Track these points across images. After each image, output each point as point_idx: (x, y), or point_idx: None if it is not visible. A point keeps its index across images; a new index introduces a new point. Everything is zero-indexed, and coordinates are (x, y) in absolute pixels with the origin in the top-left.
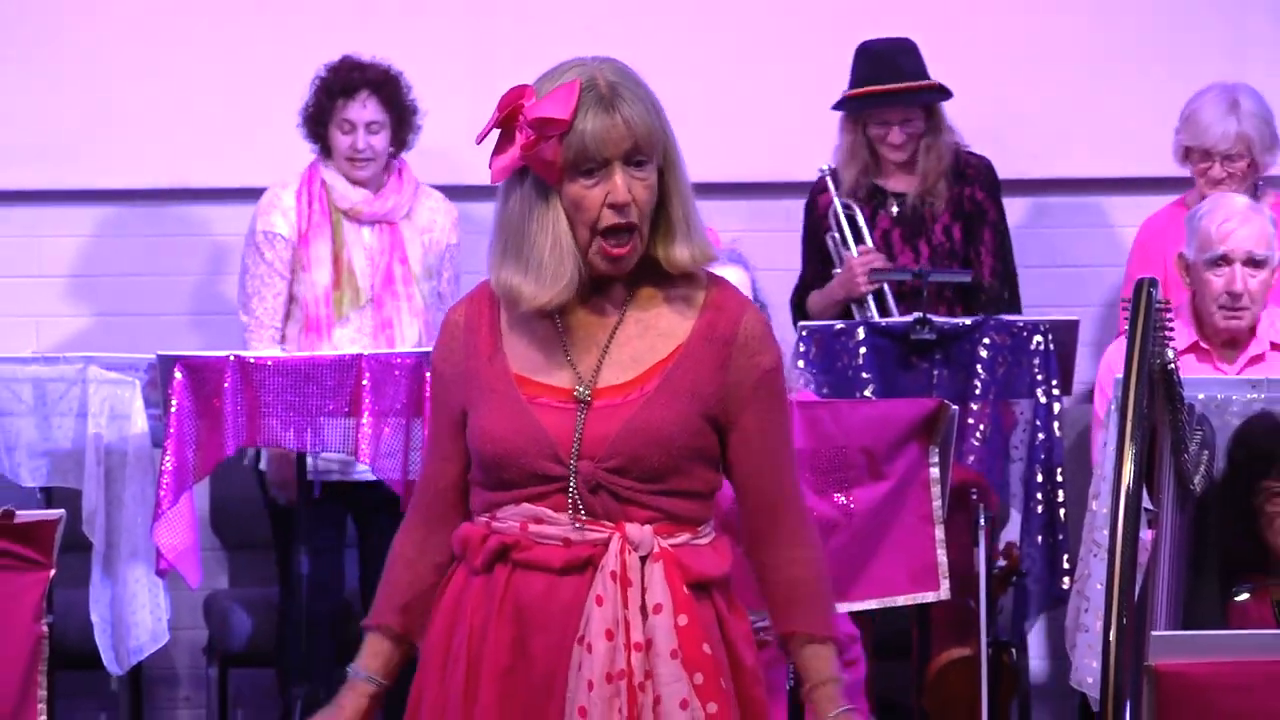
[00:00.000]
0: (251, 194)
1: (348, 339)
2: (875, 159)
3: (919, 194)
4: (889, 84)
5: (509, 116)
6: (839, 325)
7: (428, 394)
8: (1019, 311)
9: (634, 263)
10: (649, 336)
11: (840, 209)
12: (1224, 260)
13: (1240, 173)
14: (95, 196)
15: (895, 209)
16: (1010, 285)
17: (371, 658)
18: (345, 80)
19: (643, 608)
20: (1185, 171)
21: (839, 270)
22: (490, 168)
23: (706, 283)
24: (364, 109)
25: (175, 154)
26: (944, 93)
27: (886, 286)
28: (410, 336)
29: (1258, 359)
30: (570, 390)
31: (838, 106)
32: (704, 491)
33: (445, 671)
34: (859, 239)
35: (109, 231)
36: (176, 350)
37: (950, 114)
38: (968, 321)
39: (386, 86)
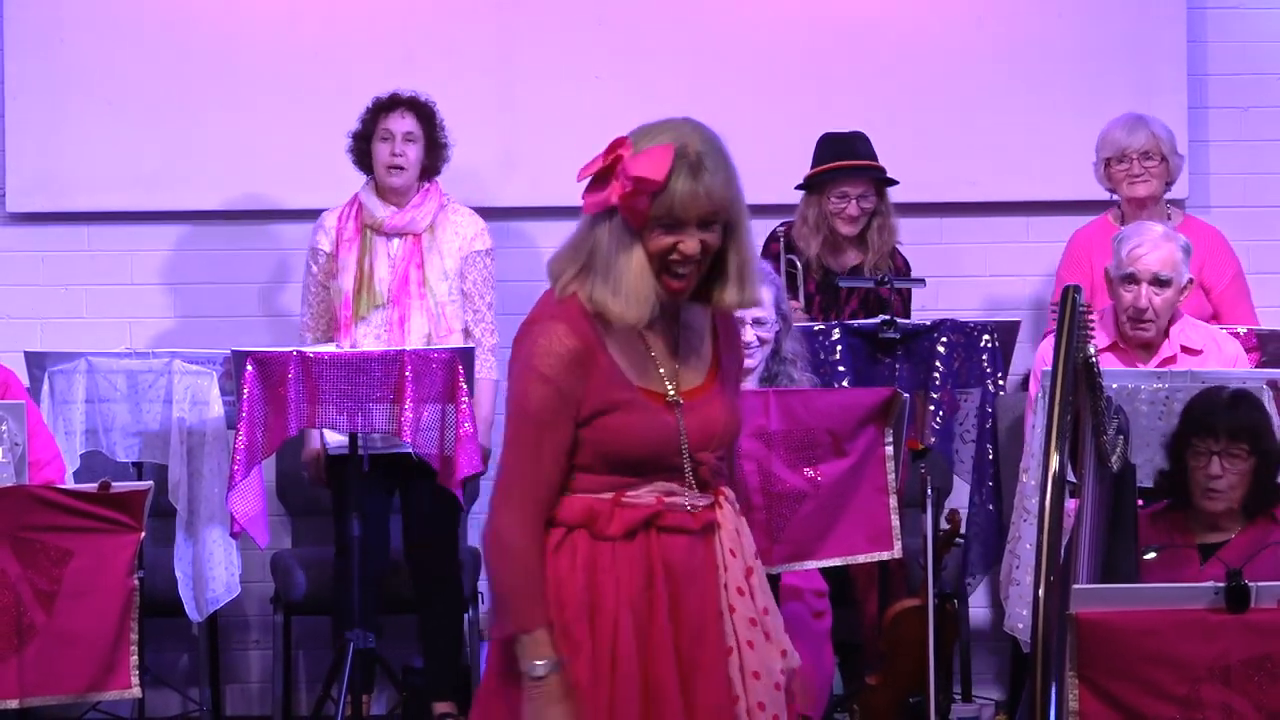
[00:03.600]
0: (309, 214)
1: (371, 335)
2: (831, 234)
3: (875, 262)
4: (850, 161)
5: (611, 164)
6: (818, 326)
7: (461, 383)
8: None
9: (688, 295)
10: (696, 342)
11: (784, 266)
12: (1133, 279)
13: (1156, 171)
14: (178, 217)
15: (829, 286)
16: None
17: (550, 650)
18: (388, 100)
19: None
20: (1103, 194)
21: None
22: (584, 200)
23: None
24: (402, 120)
25: (245, 181)
26: (891, 180)
27: None
28: (418, 330)
29: (1169, 360)
30: (664, 395)
31: (803, 185)
32: None
33: (595, 621)
34: (794, 294)
35: (190, 246)
36: (248, 346)
37: (908, 149)
38: (927, 322)
39: (422, 108)
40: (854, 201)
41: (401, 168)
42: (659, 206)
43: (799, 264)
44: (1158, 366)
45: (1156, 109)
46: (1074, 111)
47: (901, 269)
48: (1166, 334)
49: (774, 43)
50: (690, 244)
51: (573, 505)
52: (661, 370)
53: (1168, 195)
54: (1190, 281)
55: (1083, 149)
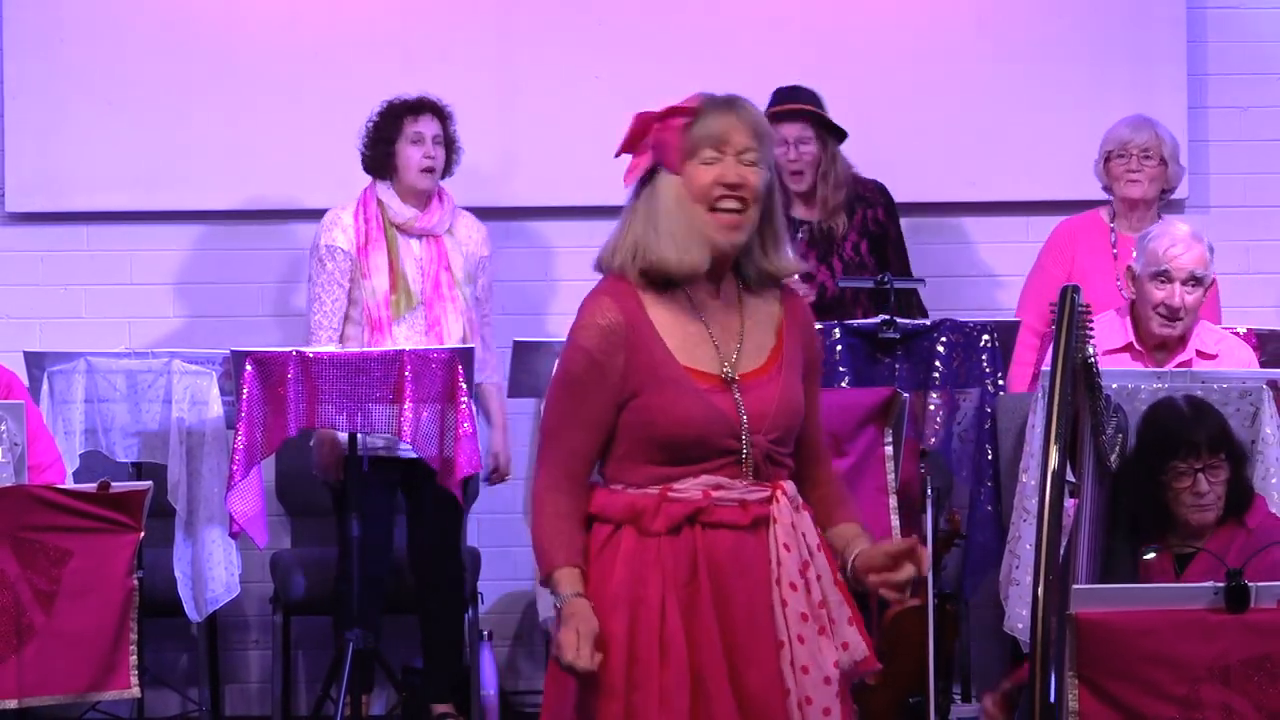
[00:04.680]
0: (309, 214)
1: (404, 336)
2: (784, 192)
3: (822, 219)
4: (784, 106)
5: (642, 128)
6: (817, 326)
7: (460, 383)
8: (920, 304)
9: (744, 239)
10: (762, 329)
11: None
12: (1167, 277)
13: (1153, 172)
14: (178, 217)
15: (805, 235)
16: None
17: (577, 582)
18: (413, 103)
19: (808, 548)
20: (1096, 195)
21: None
22: (625, 176)
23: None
24: (431, 123)
25: (245, 181)
26: (839, 131)
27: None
28: (455, 333)
29: (1186, 364)
30: (719, 375)
31: None
32: None
33: (637, 619)
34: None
35: (190, 246)
36: (247, 347)
37: (907, 149)
38: (927, 322)
39: (443, 112)
40: (793, 146)
41: (434, 170)
42: (697, 134)
43: None
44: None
45: (1156, 109)
46: (1074, 111)
47: (876, 200)
48: (1183, 337)
49: (774, 43)
50: (731, 172)
51: (617, 501)
52: (719, 350)
53: (1163, 202)
54: (1213, 281)
55: (1083, 149)
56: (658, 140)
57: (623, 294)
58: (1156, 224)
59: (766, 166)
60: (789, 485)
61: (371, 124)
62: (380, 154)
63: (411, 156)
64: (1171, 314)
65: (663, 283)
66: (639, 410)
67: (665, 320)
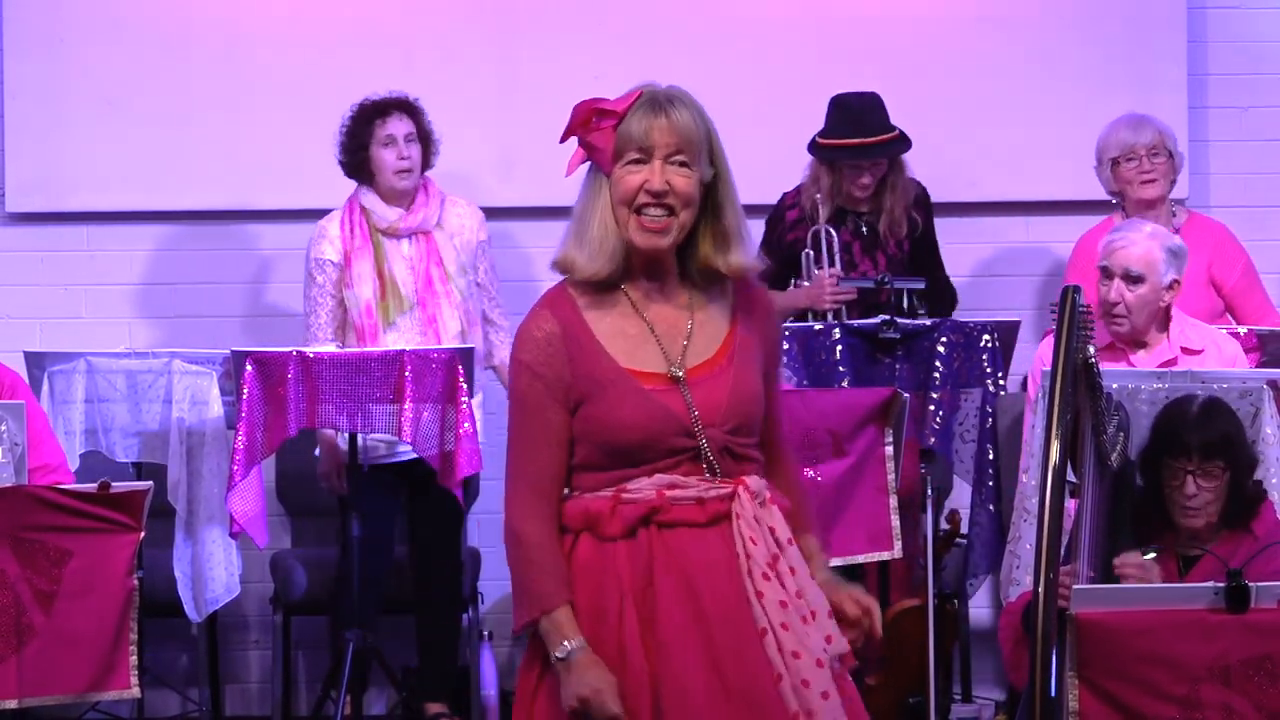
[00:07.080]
0: (310, 214)
1: (403, 340)
2: (845, 199)
3: (885, 224)
4: (859, 138)
5: (575, 127)
6: (818, 326)
7: (460, 383)
8: (953, 289)
9: (670, 243)
10: (711, 324)
11: (823, 233)
12: (1107, 274)
13: (1164, 168)
14: (178, 217)
15: (864, 228)
16: (940, 270)
17: (574, 629)
18: (378, 105)
19: (777, 542)
20: (1095, 195)
21: (807, 283)
22: (566, 173)
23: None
24: (401, 122)
25: (245, 181)
26: (906, 142)
27: (844, 309)
28: (452, 328)
29: (1170, 362)
30: (665, 373)
31: (813, 149)
32: None
33: (598, 632)
34: (831, 261)
35: (190, 246)
36: (247, 346)
37: (911, 149)
38: (927, 322)
39: (412, 107)
40: (866, 174)
41: (410, 170)
42: (622, 138)
43: (834, 233)
44: (1159, 369)
45: (1156, 109)
46: (1074, 111)
47: (917, 202)
48: (1166, 334)
49: (774, 44)
50: (656, 178)
51: (573, 509)
52: (663, 348)
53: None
54: (1175, 282)
55: (1083, 149)
56: (588, 142)
57: (559, 303)
58: (1124, 220)
59: (703, 165)
60: (753, 480)
61: (344, 129)
62: (357, 159)
63: (386, 159)
64: (1110, 309)
65: (599, 286)
66: (586, 419)
67: (605, 324)
